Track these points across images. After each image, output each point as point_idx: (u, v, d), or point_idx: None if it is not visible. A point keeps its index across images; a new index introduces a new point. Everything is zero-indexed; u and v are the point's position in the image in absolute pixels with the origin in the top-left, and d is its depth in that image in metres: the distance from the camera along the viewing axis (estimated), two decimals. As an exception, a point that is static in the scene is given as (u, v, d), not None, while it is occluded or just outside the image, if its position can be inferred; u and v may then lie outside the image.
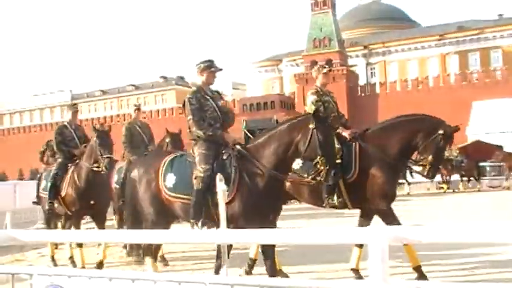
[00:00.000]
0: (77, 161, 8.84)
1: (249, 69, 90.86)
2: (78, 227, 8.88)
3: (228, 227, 5.00)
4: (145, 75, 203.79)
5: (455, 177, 26.65)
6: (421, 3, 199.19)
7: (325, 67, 7.55)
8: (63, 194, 8.77)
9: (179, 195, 5.92)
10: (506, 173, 26.30)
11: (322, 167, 5.43)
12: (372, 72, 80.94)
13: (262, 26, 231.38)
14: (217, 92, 6.66)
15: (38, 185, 10.01)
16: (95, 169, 8.41)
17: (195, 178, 5.80)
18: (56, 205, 9.00)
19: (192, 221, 5.75)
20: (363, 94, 73.39)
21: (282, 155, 5.63)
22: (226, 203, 5.20)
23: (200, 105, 6.21)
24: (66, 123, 9.46)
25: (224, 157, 5.86)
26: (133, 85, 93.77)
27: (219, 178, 5.02)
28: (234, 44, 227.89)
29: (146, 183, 6.13)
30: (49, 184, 8.96)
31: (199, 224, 5.67)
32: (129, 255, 9.31)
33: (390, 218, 6.34)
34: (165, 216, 6.09)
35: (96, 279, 3.53)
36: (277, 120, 40.55)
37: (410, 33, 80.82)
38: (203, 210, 5.72)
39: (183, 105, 6.31)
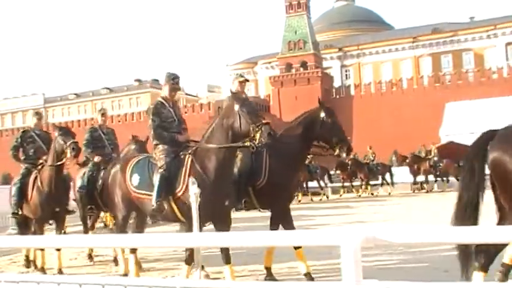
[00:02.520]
0: (191, 147, 6.55)
1: (224, 72, 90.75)
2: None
3: None
4: (119, 78, 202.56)
5: (431, 177, 26.96)
6: (395, 6, 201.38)
7: None
8: (179, 192, 6.26)
9: None
10: None
11: None
12: (346, 75, 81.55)
13: (237, 28, 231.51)
14: None
15: (21, 192, 8.69)
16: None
17: None
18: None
19: None
20: (337, 96, 73.87)
21: None
22: None
23: None
24: (162, 100, 7.11)
25: None
26: (107, 88, 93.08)
27: (192, 181, 4.96)
28: (209, 46, 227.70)
29: None
30: (158, 177, 6.41)
31: None
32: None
33: None
34: None
35: (65, 285, 3.47)
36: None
37: (384, 36, 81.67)
38: None
39: None
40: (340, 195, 26.26)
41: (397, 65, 78.43)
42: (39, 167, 8.70)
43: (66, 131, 8.44)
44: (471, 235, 2.70)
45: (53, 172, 8.34)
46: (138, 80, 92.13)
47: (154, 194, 6.35)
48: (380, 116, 67.38)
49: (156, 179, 6.40)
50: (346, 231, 2.62)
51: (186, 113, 78.19)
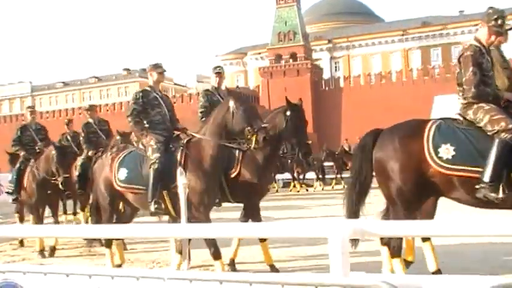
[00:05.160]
0: None
1: (214, 62, 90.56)
2: None
3: None
4: (108, 67, 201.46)
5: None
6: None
7: None
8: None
9: None
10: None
11: None
12: (336, 66, 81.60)
13: (227, 18, 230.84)
14: None
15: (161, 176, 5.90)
16: None
17: None
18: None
19: None
20: (327, 88, 73.99)
21: None
22: None
23: None
24: (480, 47, 5.07)
25: None
26: (95, 77, 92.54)
27: (180, 172, 4.93)
28: (198, 36, 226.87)
29: None
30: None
31: None
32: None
33: None
34: None
35: (52, 275, 3.44)
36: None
37: (374, 28, 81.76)
38: None
39: None
40: (332, 187, 26.22)
41: (387, 58, 78.59)
42: (184, 141, 6.26)
43: (248, 105, 6.23)
44: (451, 229, 2.69)
45: (217, 150, 6.09)
46: (127, 69, 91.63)
47: None
48: (369, 108, 67.46)
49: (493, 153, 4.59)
50: (333, 223, 2.61)
51: (175, 103, 78.04)
